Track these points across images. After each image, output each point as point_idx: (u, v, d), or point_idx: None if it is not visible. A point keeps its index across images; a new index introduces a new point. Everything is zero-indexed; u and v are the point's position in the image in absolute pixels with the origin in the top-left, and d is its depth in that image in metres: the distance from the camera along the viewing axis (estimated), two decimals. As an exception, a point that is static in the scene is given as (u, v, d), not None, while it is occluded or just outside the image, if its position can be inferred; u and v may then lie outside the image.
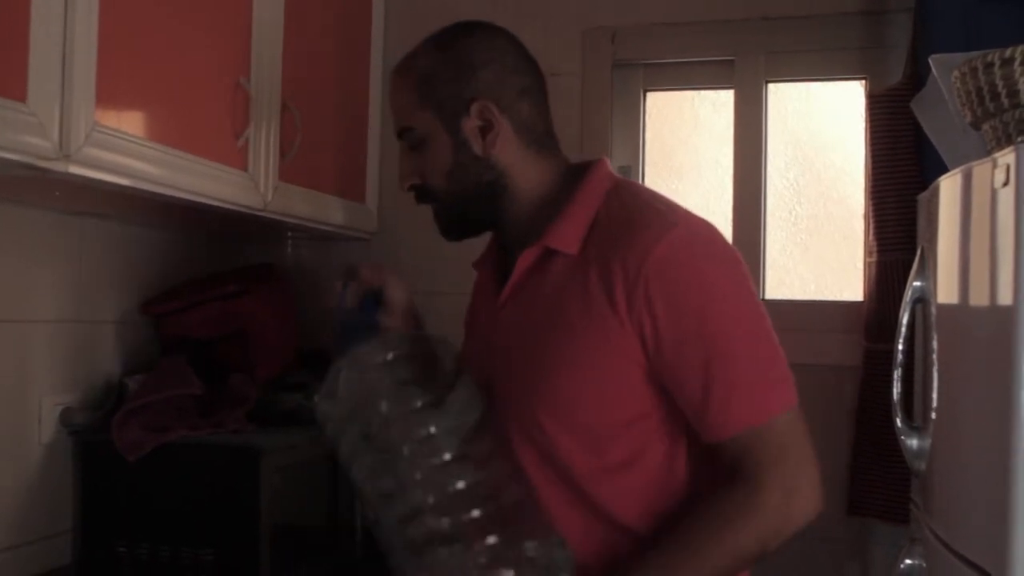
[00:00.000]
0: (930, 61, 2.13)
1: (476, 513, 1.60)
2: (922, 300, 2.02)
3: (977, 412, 1.70)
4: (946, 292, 1.90)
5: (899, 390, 2.05)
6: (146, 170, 1.90)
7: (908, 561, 2.09)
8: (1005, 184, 1.56)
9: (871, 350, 2.57)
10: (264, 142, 2.28)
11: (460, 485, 1.61)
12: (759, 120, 2.83)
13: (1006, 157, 1.56)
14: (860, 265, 2.74)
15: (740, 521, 1.60)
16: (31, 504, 2.14)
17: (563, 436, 1.68)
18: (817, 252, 2.86)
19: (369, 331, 1.83)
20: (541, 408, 1.69)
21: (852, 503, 2.60)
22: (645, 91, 2.96)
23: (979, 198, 1.70)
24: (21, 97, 1.60)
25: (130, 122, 1.87)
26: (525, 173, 1.78)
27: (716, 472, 1.70)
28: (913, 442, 2.02)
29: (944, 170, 2.03)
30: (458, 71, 1.74)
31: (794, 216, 2.86)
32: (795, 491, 1.62)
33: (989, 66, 1.72)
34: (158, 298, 2.55)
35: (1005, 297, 1.55)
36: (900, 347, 2.04)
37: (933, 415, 1.94)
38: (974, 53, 1.76)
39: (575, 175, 1.79)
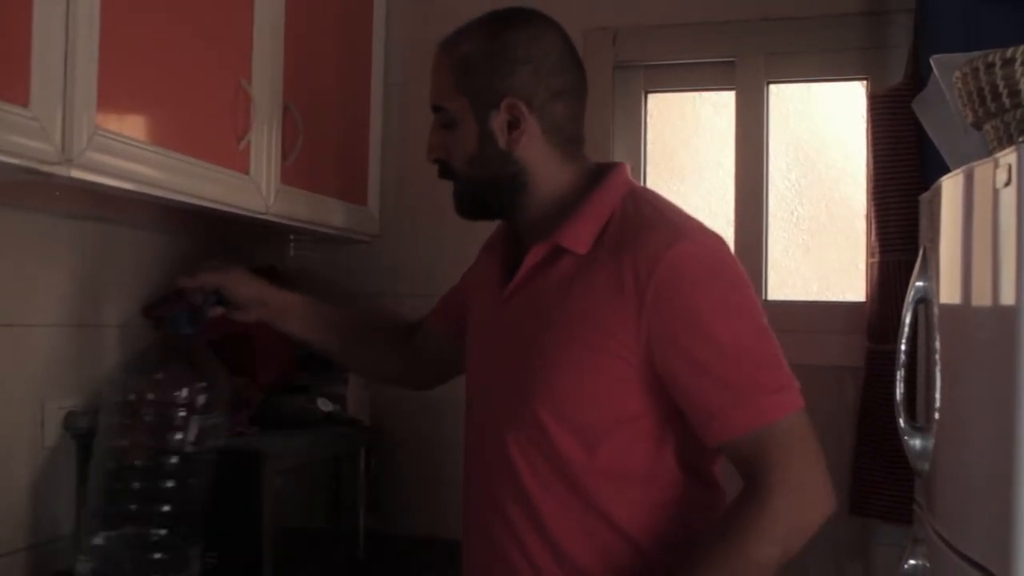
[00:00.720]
0: (931, 61, 2.13)
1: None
2: (924, 300, 2.02)
3: (980, 412, 1.70)
4: (948, 292, 1.90)
5: (902, 390, 2.04)
6: (148, 174, 1.90)
7: (911, 562, 2.09)
8: (1007, 184, 1.55)
9: (873, 350, 2.57)
10: (266, 145, 2.28)
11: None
12: (760, 121, 2.83)
13: (1008, 157, 1.56)
14: (862, 266, 2.74)
15: (758, 529, 1.63)
16: (35, 507, 2.15)
17: (560, 431, 1.72)
18: (819, 253, 2.85)
19: (189, 325, 2.02)
20: (539, 402, 1.72)
21: (855, 503, 2.60)
22: (646, 92, 2.96)
23: (981, 198, 1.70)
24: (23, 102, 1.60)
25: (132, 126, 1.87)
26: (547, 172, 1.82)
27: (703, 477, 1.79)
28: (916, 442, 2.02)
29: (946, 170, 2.03)
30: (498, 64, 1.78)
31: (796, 217, 2.86)
32: (805, 490, 1.65)
33: (990, 66, 1.72)
34: (160, 302, 2.55)
35: (1008, 297, 1.55)
36: (903, 347, 2.04)
37: (936, 415, 1.94)
38: (975, 53, 1.76)
39: (595, 178, 1.83)
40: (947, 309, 1.90)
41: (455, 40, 1.82)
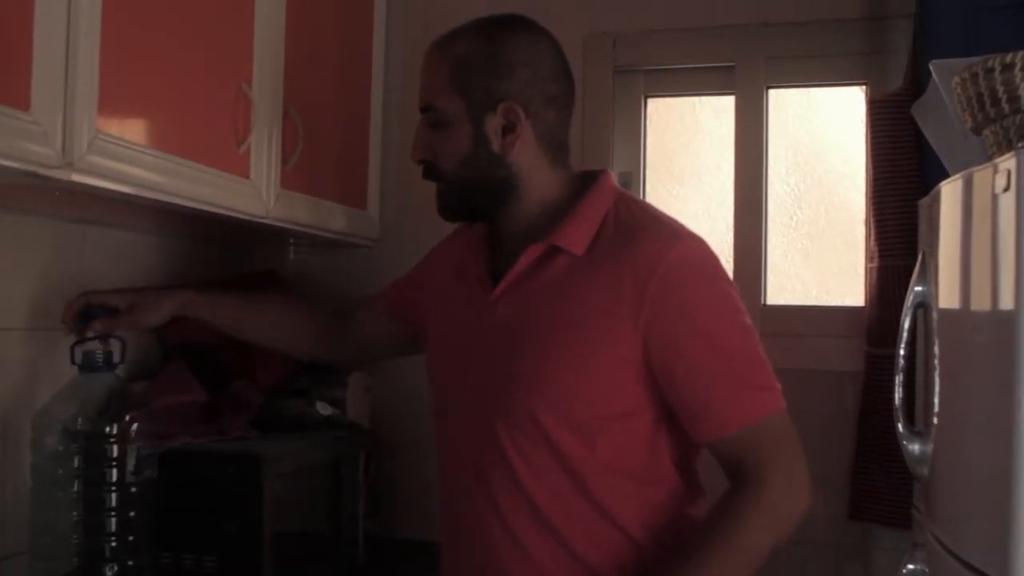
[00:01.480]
0: (930, 67, 2.13)
1: None
2: (923, 305, 2.02)
3: (979, 417, 1.70)
4: (947, 297, 1.90)
5: (901, 395, 2.05)
6: (148, 178, 1.90)
7: (910, 566, 2.09)
8: (1006, 189, 1.56)
9: (873, 355, 2.57)
10: (266, 149, 2.29)
11: None
12: (760, 126, 2.84)
13: (1007, 162, 1.56)
14: (861, 270, 2.74)
15: (754, 519, 1.70)
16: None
17: (558, 428, 1.75)
18: (818, 257, 2.86)
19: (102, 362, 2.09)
20: (536, 400, 1.75)
21: (854, 508, 2.60)
22: (646, 97, 2.96)
23: (980, 203, 1.71)
24: (24, 106, 1.60)
25: (132, 130, 1.88)
26: (535, 178, 1.84)
27: (691, 474, 1.85)
28: (915, 447, 2.02)
29: (945, 175, 2.03)
30: (495, 67, 1.79)
31: (795, 221, 2.87)
32: (795, 481, 1.75)
33: (989, 71, 1.72)
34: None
35: (1006, 302, 1.55)
36: (902, 352, 2.04)
37: (935, 420, 1.95)
38: (974, 59, 1.77)
39: (582, 184, 1.86)
40: (946, 314, 1.91)
41: (451, 40, 1.83)
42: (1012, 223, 1.53)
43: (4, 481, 2.10)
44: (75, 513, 1.98)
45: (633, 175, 2.92)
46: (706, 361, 1.72)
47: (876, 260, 2.55)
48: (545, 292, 1.78)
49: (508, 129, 1.80)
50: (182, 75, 2.02)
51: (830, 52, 2.76)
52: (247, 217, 2.25)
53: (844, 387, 2.67)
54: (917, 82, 2.45)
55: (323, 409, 2.50)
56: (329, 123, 2.65)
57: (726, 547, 1.69)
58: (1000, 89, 1.71)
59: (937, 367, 1.94)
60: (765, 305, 2.80)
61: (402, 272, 2.93)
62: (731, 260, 2.84)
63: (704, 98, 2.98)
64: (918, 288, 2.02)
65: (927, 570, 2.02)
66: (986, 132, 1.80)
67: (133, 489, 2.00)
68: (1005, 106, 1.71)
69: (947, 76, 1.97)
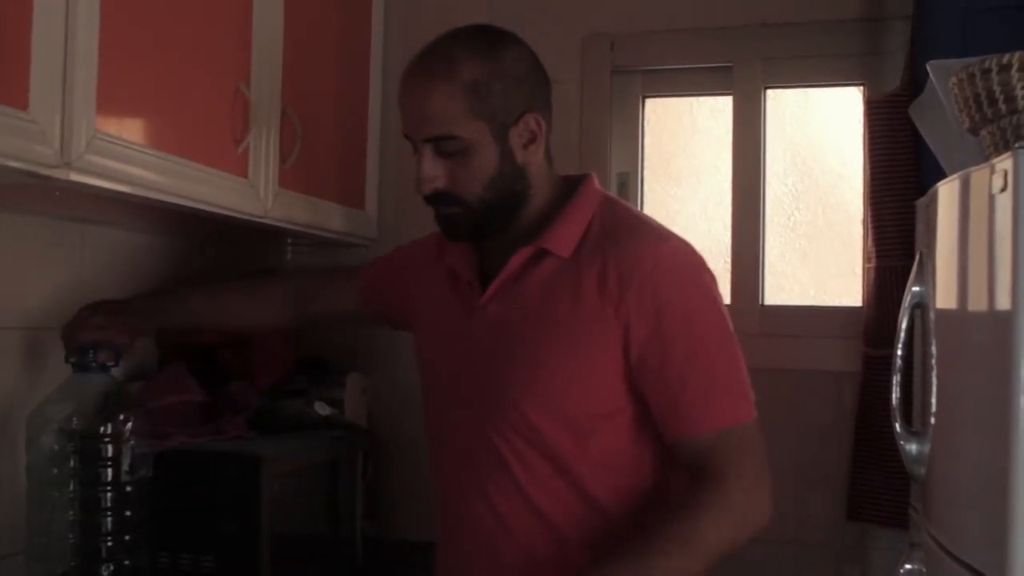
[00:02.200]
0: (928, 67, 2.14)
1: None
2: (921, 305, 2.02)
3: (976, 417, 1.71)
4: (945, 297, 1.90)
5: (898, 395, 2.05)
6: (147, 177, 1.90)
7: (908, 566, 2.09)
8: (1003, 190, 1.56)
9: (870, 355, 2.58)
10: (264, 148, 2.29)
11: None
12: (757, 126, 2.84)
13: (1004, 163, 1.57)
14: (859, 271, 2.74)
15: (712, 513, 1.71)
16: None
17: (550, 426, 1.79)
18: (816, 258, 2.86)
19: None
20: (530, 400, 1.79)
21: (852, 508, 2.60)
22: (644, 97, 2.96)
23: (977, 203, 1.71)
24: (22, 105, 1.60)
25: (131, 129, 1.88)
26: (541, 183, 1.88)
27: (674, 468, 1.85)
28: (912, 447, 2.02)
29: (942, 176, 2.04)
30: (508, 82, 1.79)
31: (793, 222, 2.87)
32: (757, 489, 1.75)
33: (986, 72, 1.72)
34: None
35: (1003, 302, 1.56)
36: (899, 352, 2.04)
37: (932, 420, 1.95)
38: (971, 59, 1.77)
39: (568, 187, 1.89)
40: (943, 314, 1.91)
41: (451, 66, 1.78)
42: (1009, 223, 1.54)
43: (0, 481, 2.10)
44: (71, 513, 1.98)
45: (631, 175, 2.93)
46: (683, 360, 1.74)
47: (873, 260, 2.56)
48: (534, 294, 1.81)
49: (530, 139, 1.82)
50: (180, 75, 2.02)
51: (827, 53, 2.76)
52: (245, 217, 2.25)
53: (842, 387, 2.67)
54: (914, 83, 2.45)
55: (321, 409, 2.49)
56: (327, 122, 2.65)
57: (681, 538, 1.69)
58: (997, 90, 1.71)
59: (934, 367, 1.94)
60: (763, 305, 2.81)
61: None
62: (729, 260, 2.84)
63: (702, 98, 2.98)
64: (915, 288, 2.02)
65: (924, 570, 2.02)
66: (983, 132, 1.80)
67: (128, 489, 2.00)
68: (1002, 106, 1.72)
69: (944, 77, 1.98)
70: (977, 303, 1.73)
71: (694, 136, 2.99)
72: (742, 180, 2.83)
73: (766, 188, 2.84)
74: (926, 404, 1.99)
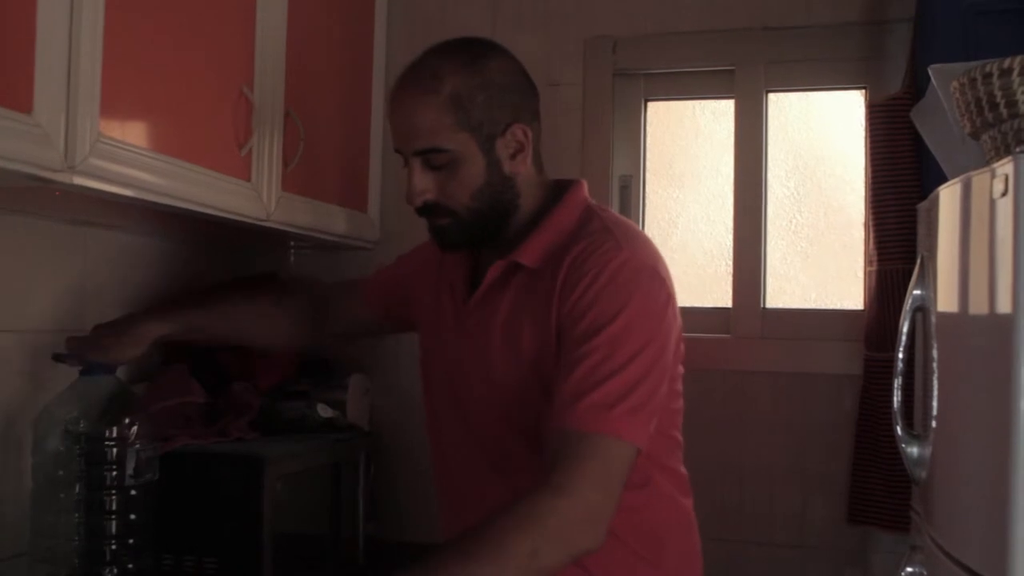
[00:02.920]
0: (929, 71, 2.14)
1: None
2: (922, 309, 2.02)
3: (977, 421, 1.71)
4: (946, 301, 1.90)
5: (899, 399, 2.05)
6: (150, 181, 1.91)
7: (909, 569, 2.09)
8: (1004, 194, 1.56)
9: (871, 359, 2.58)
10: (267, 152, 2.29)
11: None
12: (759, 129, 2.84)
13: (1004, 167, 1.57)
14: (861, 274, 2.75)
15: (521, 518, 1.59)
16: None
17: (517, 437, 1.84)
18: (818, 261, 2.86)
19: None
20: (494, 414, 1.86)
21: (853, 511, 2.61)
22: (646, 100, 2.97)
23: (978, 208, 1.71)
24: (27, 109, 1.61)
25: (134, 133, 1.88)
26: (529, 191, 1.89)
27: (670, 469, 1.90)
28: (913, 450, 2.02)
29: (944, 179, 2.04)
30: (493, 94, 1.81)
31: (794, 225, 2.87)
32: (593, 514, 1.64)
33: (988, 76, 1.72)
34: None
35: (1004, 306, 1.56)
36: (900, 356, 2.04)
37: (933, 423, 1.95)
38: (973, 63, 1.77)
39: (556, 193, 1.90)
40: (944, 318, 1.91)
41: (434, 79, 1.79)
42: (1010, 228, 1.54)
43: (5, 483, 2.11)
44: (76, 515, 1.99)
45: (633, 178, 2.93)
46: (579, 353, 1.70)
47: (875, 264, 2.56)
48: (504, 308, 1.85)
49: (517, 150, 1.84)
50: (183, 78, 2.02)
51: (829, 56, 2.77)
52: (248, 220, 2.25)
53: (843, 391, 2.68)
54: (916, 86, 2.46)
55: (323, 411, 2.50)
56: (330, 126, 2.65)
57: (480, 544, 1.58)
58: (998, 94, 1.71)
59: (935, 371, 1.94)
60: (764, 308, 2.81)
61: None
62: (730, 263, 2.85)
63: (704, 101, 2.98)
64: (917, 292, 2.02)
65: (925, 573, 2.02)
66: (984, 137, 1.81)
67: (133, 492, 2.01)
68: (1003, 111, 1.72)
69: (946, 81, 1.98)
70: (978, 307, 1.73)
71: (696, 139, 2.99)
72: (744, 183, 2.84)
73: (768, 191, 2.85)
74: (927, 407, 1.99)
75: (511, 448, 1.86)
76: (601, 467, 1.65)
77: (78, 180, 1.71)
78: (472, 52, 1.84)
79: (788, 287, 2.87)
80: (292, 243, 2.91)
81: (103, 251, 2.39)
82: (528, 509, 1.60)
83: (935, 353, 1.94)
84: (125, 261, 2.47)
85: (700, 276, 2.90)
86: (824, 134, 2.88)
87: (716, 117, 2.96)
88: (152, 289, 2.56)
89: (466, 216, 1.83)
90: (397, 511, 2.87)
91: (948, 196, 1.90)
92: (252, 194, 2.25)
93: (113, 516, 2.00)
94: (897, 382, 2.05)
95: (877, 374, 2.52)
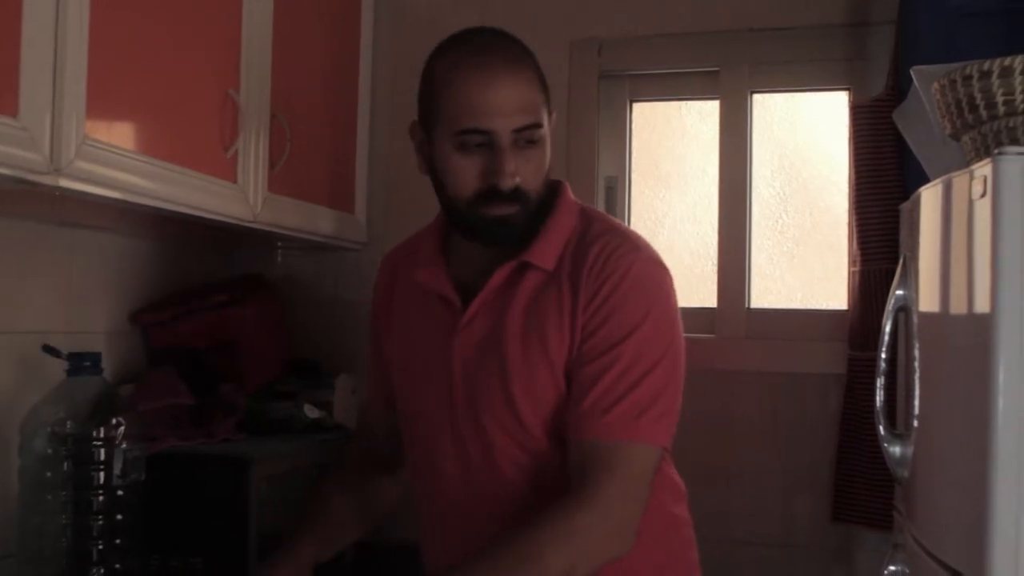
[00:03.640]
0: (912, 73, 2.16)
1: None
2: (904, 309, 2.04)
3: (956, 419, 1.72)
4: (927, 301, 1.92)
5: (882, 398, 2.06)
6: (136, 183, 1.91)
7: (892, 567, 2.11)
8: (983, 195, 1.58)
9: (855, 358, 2.59)
10: (253, 153, 2.30)
11: None
12: (745, 130, 2.85)
13: (983, 169, 1.58)
14: (846, 274, 2.76)
15: (555, 535, 1.60)
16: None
17: (547, 438, 1.74)
18: (803, 261, 2.88)
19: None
20: (526, 413, 1.74)
21: (836, 510, 2.62)
22: (631, 101, 2.98)
23: (958, 209, 1.73)
24: (12, 112, 1.62)
25: (120, 135, 1.89)
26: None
27: (666, 475, 1.84)
28: (896, 449, 2.04)
29: (926, 180, 2.06)
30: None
31: (780, 225, 2.89)
32: (624, 524, 1.66)
33: (968, 78, 1.74)
34: (149, 308, 2.57)
35: (982, 306, 1.57)
36: (883, 355, 2.06)
37: (915, 423, 1.97)
38: (954, 65, 1.79)
39: (549, 194, 1.84)
40: (926, 317, 1.93)
41: (523, 57, 1.76)
42: (988, 229, 1.55)
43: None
44: (63, 516, 1.99)
45: (618, 179, 2.94)
46: (604, 361, 1.68)
47: (858, 264, 2.57)
48: (518, 308, 1.76)
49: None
50: (169, 80, 2.03)
51: (814, 57, 2.78)
52: (235, 221, 2.26)
53: (827, 390, 2.69)
54: (899, 88, 2.47)
55: (310, 412, 2.51)
56: (316, 127, 2.66)
57: (513, 558, 1.59)
58: (978, 96, 1.73)
59: (917, 370, 1.96)
60: (749, 308, 2.82)
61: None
62: (715, 263, 2.86)
63: (690, 102, 2.99)
64: (899, 292, 2.04)
65: (908, 571, 2.04)
66: (964, 138, 1.82)
67: (120, 492, 2.01)
68: (983, 113, 1.73)
69: (927, 82, 1.99)
70: (958, 307, 1.74)
71: (682, 140, 3.00)
72: (729, 183, 2.85)
73: (753, 191, 2.86)
74: (909, 407, 2.00)
75: (535, 462, 1.75)
76: (632, 475, 1.66)
77: (64, 183, 1.72)
78: (512, 38, 1.81)
79: (774, 287, 2.88)
80: (279, 244, 2.92)
81: (90, 253, 2.40)
82: (565, 526, 1.60)
83: (917, 353, 1.96)
84: (112, 262, 2.48)
85: (686, 276, 2.90)
86: (810, 134, 2.90)
87: (702, 118, 2.97)
88: (139, 289, 2.56)
89: (533, 205, 1.75)
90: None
91: (929, 197, 1.92)
92: (238, 195, 2.26)
93: (100, 517, 2.00)
94: (880, 382, 2.07)
95: (860, 373, 2.54)
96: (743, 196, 2.84)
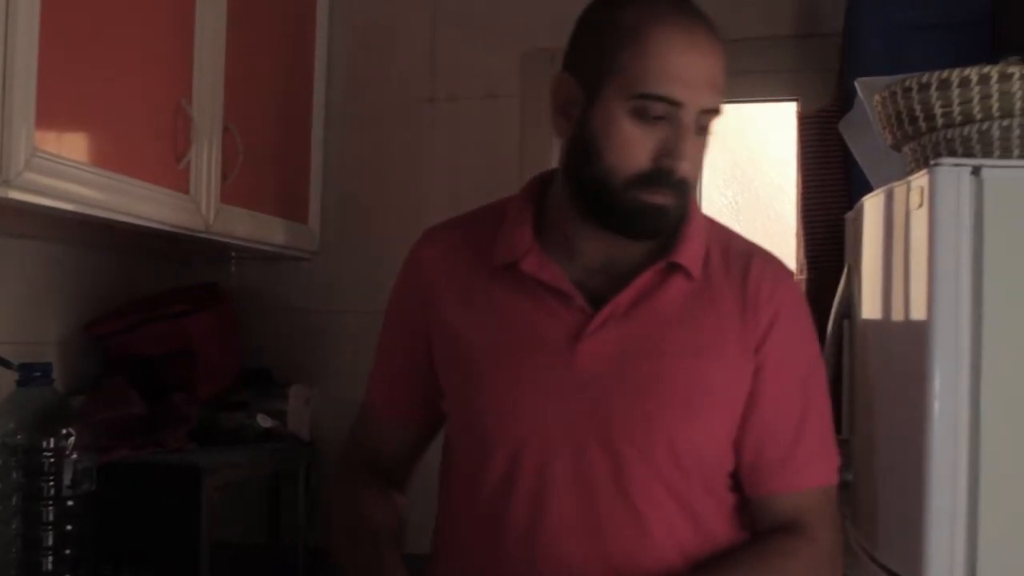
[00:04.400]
0: (855, 84, 2.19)
1: None
2: (848, 316, 2.07)
3: (894, 425, 1.76)
4: (869, 308, 1.95)
5: (827, 404, 2.09)
6: (87, 194, 1.91)
7: (838, 571, 2.14)
8: (920, 206, 1.62)
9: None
10: (206, 164, 2.30)
11: None
12: (696, 140, 2.87)
13: (920, 180, 1.62)
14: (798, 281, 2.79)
15: (801, 566, 1.52)
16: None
17: (697, 465, 1.53)
18: (754, 269, 2.90)
19: None
20: (677, 433, 1.50)
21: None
22: (583, 112, 2.99)
23: (898, 218, 1.76)
24: (-40, 124, 1.62)
25: (71, 146, 1.89)
26: None
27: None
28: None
29: (870, 190, 2.09)
30: None
31: (731, 234, 2.91)
32: (836, 558, 1.59)
33: (908, 91, 1.77)
34: (102, 318, 2.56)
35: (919, 313, 1.61)
36: (828, 361, 2.08)
37: (857, 428, 2.00)
38: (896, 77, 1.82)
39: None
40: (867, 324, 1.96)
41: (717, 36, 1.53)
42: (925, 238, 1.59)
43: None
44: (13, 526, 1.99)
45: (569, 189, 2.95)
46: (801, 405, 1.54)
47: (805, 272, 2.60)
48: (673, 321, 1.52)
49: None
50: (121, 91, 2.03)
51: (762, 69, 2.80)
52: (187, 232, 2.27)
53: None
54: (845, 98, 2.50)
55: (263, 421, 2.51)
56: (270, 137, 2.67)
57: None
58: (917, 108, 1.76)
59: (859, 376, 1.99)
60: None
61: (340, 285, 2.93)
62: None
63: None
64: (843, 299, 2.07)
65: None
66: (905, 149, 1.86)
67: (70, 503, 2.01)
68: (922, 124, 1.76)
69: (871, 93, 2.02)
70: (897, 314, 1.78)
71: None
72: (681, 193, 2.86)
73: (704, 200, 2.88)
74: (853, 412, 2.03)
75: (661, 492, 1.50)
76: (837, 516, 1.60)
77: (13, 195, 1.71)
78: None
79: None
80: (233, 254, 2.92)
81: (41, 263, 2.39)
82: (809, 558, 1.51)
83: (859, 359, 1.99)
84: (64, 273, 2.48)
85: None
86: (762, 143, 2.93)
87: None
88: (92, 300, 2.56)
89: (688, 200, 1.53)
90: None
91: (872, 206, 1.95)
92: (191, 206, 2.26)
93: (50, 527, 1.99)
94: (824, 388, 2.09)
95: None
96: (696, 204, 2.85)
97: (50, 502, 2.00)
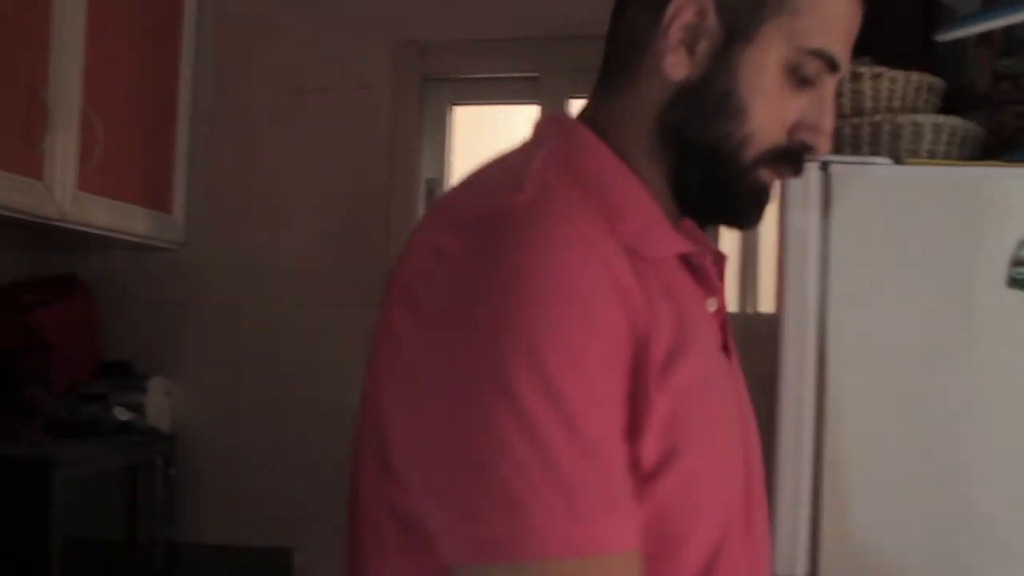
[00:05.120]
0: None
1: None
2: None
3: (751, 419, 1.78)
4: (729, 301, 1.98)
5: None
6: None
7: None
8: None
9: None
10: (61, 151, 2.25)
11: None
12: (565, 135, 2.88)
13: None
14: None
15: None
16: None
17: None
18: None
19: None
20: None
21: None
22: (452, 105, 2.99)
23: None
24: None
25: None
26: None
27: None
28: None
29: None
30: None
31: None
32: None
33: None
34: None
35: (769, 306, 1.63)
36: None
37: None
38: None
39: None
40: (732, 318, 1.98)
41: None
42: (774, 232, 1.61)
43: None
44: None
45: (438, 183, 2.95)
46: None
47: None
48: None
49: None
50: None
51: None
52: (40, 219, 2.22)
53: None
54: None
55: (120, 414, 2.47)
56: (132, 127, 2.62)
57: None
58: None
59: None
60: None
61: (207, 276, 2.88)
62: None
63: (516, 107, 3.02)
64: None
65: None
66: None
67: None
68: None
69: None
70: (751, 307, 1.80)
71: (508, 143, 3.01)
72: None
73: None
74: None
75: None
76: None
77: None
78: None
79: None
80: (94, 243, 2.86)
81: None
82: None
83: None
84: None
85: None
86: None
87: (528, 121, 2.98)
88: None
89: None
90: (200, 513, 2.83)
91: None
92: (44, 193, 2.21)
93: None
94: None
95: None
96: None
97: None
